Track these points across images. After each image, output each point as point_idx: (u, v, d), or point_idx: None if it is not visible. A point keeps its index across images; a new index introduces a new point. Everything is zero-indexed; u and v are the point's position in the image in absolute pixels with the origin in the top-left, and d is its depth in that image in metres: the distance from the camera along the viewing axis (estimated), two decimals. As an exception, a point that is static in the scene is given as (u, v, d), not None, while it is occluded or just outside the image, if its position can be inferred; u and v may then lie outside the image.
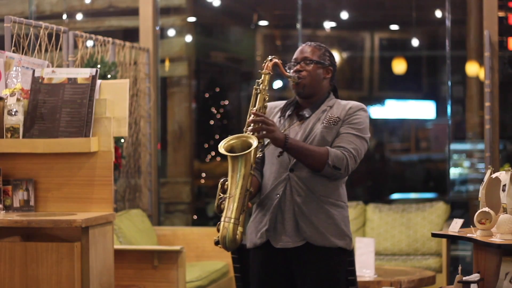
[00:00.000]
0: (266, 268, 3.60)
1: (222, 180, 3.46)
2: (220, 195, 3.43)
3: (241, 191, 3.40)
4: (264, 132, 3.42)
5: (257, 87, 3.52)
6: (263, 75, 3.54)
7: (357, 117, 3.58)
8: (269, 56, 3.58)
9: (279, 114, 3.68)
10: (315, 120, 3.58)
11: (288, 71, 3.64)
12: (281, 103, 3.74)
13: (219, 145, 3.41)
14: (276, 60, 3.57)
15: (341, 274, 3.60)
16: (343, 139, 3.53)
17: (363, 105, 3.64)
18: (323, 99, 3.64)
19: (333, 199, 3.56)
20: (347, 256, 3.64)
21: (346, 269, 3.64)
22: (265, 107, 3.51)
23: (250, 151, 3.38)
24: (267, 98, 3.53)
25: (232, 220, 3.38)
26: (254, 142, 3.39)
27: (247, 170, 3.40)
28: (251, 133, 3.43)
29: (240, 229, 3.40)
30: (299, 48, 3.69)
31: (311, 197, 3.53)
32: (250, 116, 3.47)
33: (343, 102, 3.65)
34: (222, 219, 3.40)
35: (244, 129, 3.49)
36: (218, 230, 3.41)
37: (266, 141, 3.57)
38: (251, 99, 3.54)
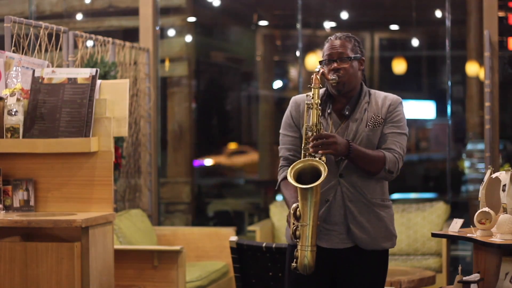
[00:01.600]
0: None
1: (294, 206, 3.43)
2: (294, 223, 3.42)
3: (314, 218, 3.39)
4: (328, 150, 3.40)
5: (309, 102, 3.47)
6: (313, 89, 3.48)
7: (397, 114, 3.58)
8: (316, 68, 3.52)
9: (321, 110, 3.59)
10: (359, 121, 3.56)
11: (323, 67, 3.57)
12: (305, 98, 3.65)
13: (287, 173, 3.39)
14: (322, 70, 3.52)
15: (383, 274, 3.61)
16: (391, 141, 3.55)
17: (400, 99, 3.64)
18: (359, 92, 3.61)
19: (381, 200, 3.58)
20: (387, 255, 3.65)
21: (386, 269, 3.64)
22: (320, 123, 3.46)
23: (320, 182, 3.35)
24: (320, 113, 3.47)
25: (309, 248, 3.39)
26: (323, 171, 3.36)
27: (317, 198, 3.40)
28: (315, 152, 3.40)
29: (314, 254, 3.41)
30: (330, 44, 3.60)
31: (362, 202, 3.53)
32: (306, 133, 3.45)
33: (380, 95, 3.63)
34: (299, 247, 3.41)
35: (302, 146, 3.46)
36: (297, 258, 3.41)
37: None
38: (304, 115, 3.50)
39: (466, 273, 3.46)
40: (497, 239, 3.33)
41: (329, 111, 3.59)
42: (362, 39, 8.59)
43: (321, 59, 3.63)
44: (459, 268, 3.51)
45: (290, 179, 3.37)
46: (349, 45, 3.59)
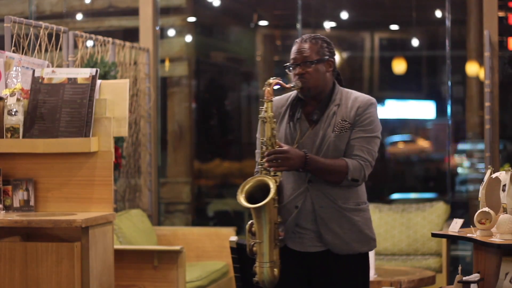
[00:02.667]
0: (285, 271, 3.54)
1: (249, 223, 3.46)
2: (249, 240, 3.45)
3: (269, 234, 3.40)
4: (282, 167, 3.40)
5: (263, 116, 3.45)
6: (265, 103, 3.46)
7: (367, 117, 3.50)
8: (267, 81, 3.48)
9: (287, 116, 3.58)
10: (326, 126, 3.50)
11: (291, 72, 3.55)
12: (286, 99, 3.62)
13: (237, 194, 3.40)
14: (275, 81, 3.47)
15: (362, 278, 3.58)
16: (358, 147, 3.48)
17: (371, 99, 3.54)
18: (330, 94, 3.54)
19: (353, 204, 3.52)
20: (367, 258, 3.61)
21: (365, 273, 3.61)
22: (274, 136, 3.44)
23: (270, 199, 3.35)
24: (274, 126, 3.45)
25: (267, 264, 3.42)
26: (272, 186, 3.37)
27: (271, 214, 3.40)
28: (269, 168, 3.41)
29: (275, 270, 3.43)
30: (296, 47, 3.55)
31: (332, 207, 3.49)
32: (261, 147, 3.43)
33: (351, 96, 3.55)
34: (257, 263, 3.44)
35: (257, 160, 3.47)
36: (255, 273, 3.45)
37: None
38: (258, 128, 3.49)
39: (466, 273, 3.46)
40: (497, 239, 3.33)
41: (298, 115, 3.55)
42: (362, 39, 8.60)
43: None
44: (459, 268, 3.51)
45: (241, 199, 3.37)
46: (315, 48, 3.52)
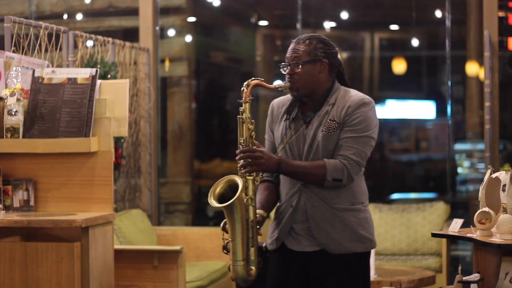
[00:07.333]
0: (283, 271, 3.57)
1: (222, 223, 3.49)
2: (223, 238, 3.48)
3: (242, 233, 3.42)
4: (254, 167, 3.41)
5: (241, 116, 3.46)
6: (243, 104, 3.47)
7: (356, 117, 3.47)
8: (245, 83, 3.49)
9: (285, 115, 3.60)
10: (317, 125, 3.49)
11: (285, 71, 3.55)
12: (287, 99, 3.63)
13: (208, 197, 3.42)
14: (255, 82, 3.49)
15: (360, 278, 3.56)
16: (344, 146, 3.46)
17: (364, 99, 3.51)
18: (326, 94, 3.53)
19: (347, 204, 3.51)
20: (366, 258, 3.59)
21: (364, 273, 3.59)
22: (252, 136, 3.45)
23: (236, 198, 3.37)
24: (251, 127, 3.46)
25: (239, 263, 3.44)
26: (240, 184, 3.39)
27: (242, 212, 3.41)
28: (240, 167, 3.42)
29: (250, 267, 3.46)
30: (290, 47, 3.56)
31: (324, 207, 3.48)
32: (239, 147, 3.45)
33: (347, 95, 3.53)
34: (231, 262, 3.47)
35: (237, 158, 3.47)
36: (230, 270, 3.48)
37: None
38: (238, 128, 3.48)
39: (466, 273, 3.46)
40: (497, 239, 3.33)
41: (294, 115, 3.55)
42: (362, 39, 8.60)
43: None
44: (459, 268, 3.51)
45: (212, 201, 3.40)
46: (307, 49, 3.51)
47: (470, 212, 7.29)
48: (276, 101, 3.68)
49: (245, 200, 3.44)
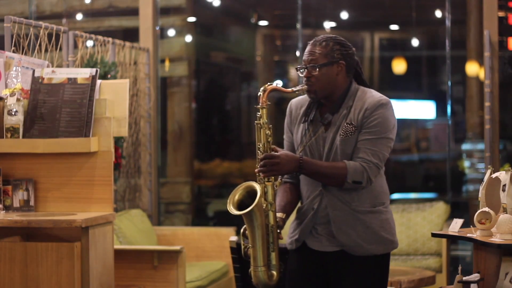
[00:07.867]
0: (302, 270, 3.57)
1: (242, 229, 3.50)
2: (244, 244, 3.49)
3: (262, 238, 3.44)
4: (274, 172, 3.42)
5: (258, 122, 3.46)
6: (260, 110, 3.47)
7: (374, 119, 3.47)
8: (263, 87, 3.48)
9: (304, 117, 3.57)
10: (336, 129, 3.48)
11: (302, 74, 3.53)
12: (306, 100, 3.61)
13: (227, 204, 3.42)
14: (271, 87, 3.48)
15: (378, 280, 3.56)
16: (362, 149, 3.45)
17: (381, 100, 3.51)
18: (343, 95, 3.51)
19: (368, 206, 3.50)
20: (386, 260, 3.59)
21: (382, 275, 3.58)
22: (269, 141, 3.45)
23: (255, 205, 3.38)
24: (269, 133, 3.45)
25: (260, 268, 3.46)
26: (258, 190, 3.40)
27: (262, 218, 3.43)
28: (259, 173, 3.44)
29: (272, 272, 3.48)
30: (307, 49, 3.54)
31: (346, 210, 3.48)
32: (257, 152, 3.46)
33: (365, 96, 3.52)
34: (251, 267, 3.49)
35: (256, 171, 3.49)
36: (251, 277, 3.50)
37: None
38: (256, 133, 3.48)
39: (466, 273, 3.46)
40: (497, 239, 3.33)
41: (311, 117, 3.54)
42: (362, 39, 8.60)
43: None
44: (459, 268, 3.51)
45: (231, 208, 3.41)
46: (324, 51, 3.50)
47: (470, 212, 7.29)
48: (294, 102, 3.65)
49: (265, 205, 3.44)
